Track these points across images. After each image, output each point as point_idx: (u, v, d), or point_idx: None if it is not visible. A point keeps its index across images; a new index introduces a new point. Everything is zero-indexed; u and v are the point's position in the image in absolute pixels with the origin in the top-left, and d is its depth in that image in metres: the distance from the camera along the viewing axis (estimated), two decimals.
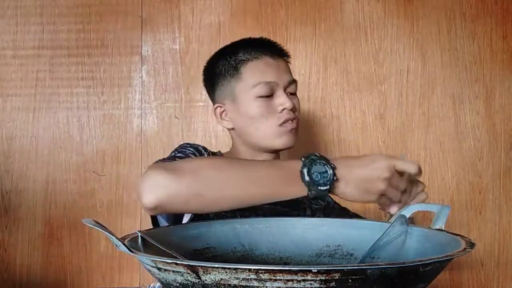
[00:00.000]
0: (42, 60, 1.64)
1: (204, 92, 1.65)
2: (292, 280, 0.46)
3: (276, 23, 1.64)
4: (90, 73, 1.64)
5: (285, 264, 0.79)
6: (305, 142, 1.64)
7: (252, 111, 1.09)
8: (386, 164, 0.83)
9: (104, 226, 0.58)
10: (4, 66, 1.64)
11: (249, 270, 0.46)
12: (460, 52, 1.66)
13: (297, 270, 0.45)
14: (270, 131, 1.09)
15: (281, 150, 1.15)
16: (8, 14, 1.64)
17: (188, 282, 0.50)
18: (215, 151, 1.20)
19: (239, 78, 1.11)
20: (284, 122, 1.09)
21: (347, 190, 0.81)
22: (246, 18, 1.65)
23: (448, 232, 0.68)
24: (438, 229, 0.70)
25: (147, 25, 1.65)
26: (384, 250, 0.72)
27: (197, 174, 0.81)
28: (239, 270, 0.46)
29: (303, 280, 0.46)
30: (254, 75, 1.10)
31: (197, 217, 0.94)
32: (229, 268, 0.47)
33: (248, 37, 1.20)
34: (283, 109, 1.09)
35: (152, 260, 0.52)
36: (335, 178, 0.80)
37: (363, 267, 0.47)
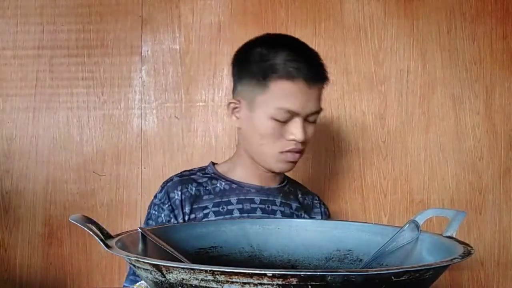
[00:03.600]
0: (42, 60, 1.64)
1: (204, 92, 1.66)
2: (248, 283, 0.44)
3: (276, 23, 1.64)
4: (90, 73, 1.64)
5: (293, 267, 0.77)
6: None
7: (263, 129, 1.04)
8: None
9: (91, 222, 0.58)
10: (4, 66, 1.64)
11: (206, 271, 0.45)
12: (460, 52, 1.66)
13: (252, 273, 0.44)
14: (271, 153, 1.06)
15: (276, 172, 1.13)
16: (8, 14, 1.64)
17: (157, 280, 0.50)
18: (205, 165, 1.19)
19: (264, 89, 1.03)
20: (287, 152, 1.05)
21: None
22: (246, 18, 1.65)
23: (457, 240, 0.64)
24: (449, 237, 0.67)
25: (147, 25, 1.65)
26: (393, 256, 0.70)
27: None
28: (197, 271, 0.46)
29: (260, 284, 0.44)
30: (280, 96, 1.02)
31: None
32: (187, 268, 0.46)
33: (297, 38, 1.13)
34: (293, 139, 1.04)
35: (128, 257, 0.53)
36: None
37: (323, 273, 0.44)
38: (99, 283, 1.63)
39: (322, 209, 1.26)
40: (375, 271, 0.46)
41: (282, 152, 1.05)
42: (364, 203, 1.65)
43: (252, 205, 1.11)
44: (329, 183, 1.65)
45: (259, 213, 1.10)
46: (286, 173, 1.21)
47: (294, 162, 1.09)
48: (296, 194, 1.22)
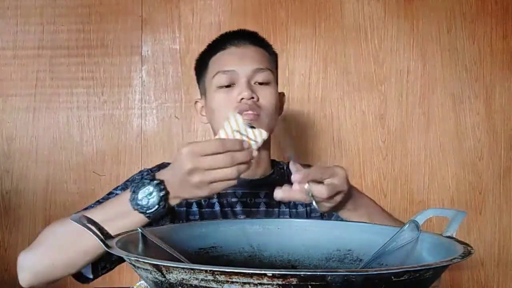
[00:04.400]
0: (42, 60, 1.64)
1: None
2: (248, 283, 0.44)
3: (276, 23, 1.64)
4: (90, 73, 1.64)
5: (293, 267, 0.77)
6: (305, 142, 1.64)
7: (213, 103, 1.06)
8: (181, 152, 0.78)
9: (91, 222, 0.58)
10: (4, 66, 1.64)
11: (206, 271, 0.45)
12: (460, 52, 1.66)
13: (252, 273, 0.44)
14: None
15: None
16: (8, 14, 1.64)
17: (157, 280, 0.51)
18: None
19: (206, 71, 1.09)
20: (240, 113, 0.98)
21: (180, 194, 0.81)
22: (246, 18, 1.64)
23: (457, 240, 0.64)
24: (449, 237, 0.67)
25: (147, 25, 1.65)
26: (393, 256, 0.70)
27: (42, 245, 0.89)
28: (197, 271, 0.46)
29: (260, 284, 0.44)
30: (216, 65, 1.07)
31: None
32: (187, 268, 0.46)
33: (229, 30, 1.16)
34: (242, 99, 1.02)
35: (128, 257, 0.53)
36: (165, 193, 0.81)
37: (323, 273, 0.44)
38: (99, 283, 1.62)
39: None
40: (375, 271, 0.46)
41: None
42: None
43: (233, 199, 1.10)
44: None
45: (239, 207, 1.08)
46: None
47: (258, 126, 1.01)
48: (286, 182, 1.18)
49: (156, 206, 0.80)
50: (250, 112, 1.00)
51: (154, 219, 0.83)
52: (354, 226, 0.80)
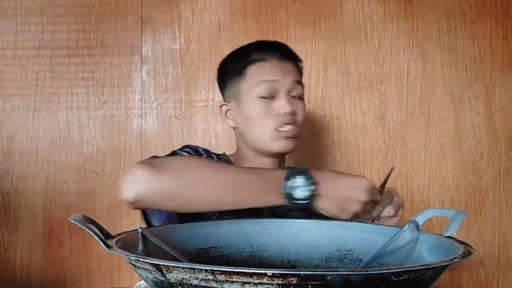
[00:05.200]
0: (42, 60, 1.64)
1: (204, 92, 1.66)
2: (248, 283, 0.45)
3: (276, 23, 1.64)
4: (90, 73, 1.64)
5: (293, 267, 0.77)
6: (305, 142, 1.64)
7: (252, 111, 1.09)
8: (367, 186, 0.85)
9: (91, 222, 0.58)
10: (4, 66, 1.64)
11: (206, 271, 0.45)
12: (460, 52, 1.66)
13: (252, 273, 0.44)
14: (266, 133, 1.08)
15: (279, 153, 1.13)
16: (8, 14, 1.64)
17: (157, 280, 0.51)
18: (220, 153, 1.20)
19: (244, 78, 1.11)
20: (282, 127, 1.07)
21: (325, 206, 0.84)
22: (246, 18, 1.64)
23: (457, 240, 0.65)
24: (449, 237, 0.67)
25: (147, 25, 1.65)
26: (393, 256, 0.70)
27: (179, 172, 0.84)
28: (197, 271, 0.46)
29: (260, 284, 0.44)
30: (257, 74, 1.09)
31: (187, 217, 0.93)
32: (187, 268, 0.46)
33: (263, 39, 1.20)
34: (283, 112, 1.07)
35: (128, 257, 0.53)
36: (314, 194, 0.83)
37: (323, 273, 0.44)
38: (99, 283, 1.63)
39: None
40: (375, 271, 0.46)
41: (277, 130, 1.07)
42: None
43: None
44: None
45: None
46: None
47: (292, 138, 1.09)
48: None
49: (306, 201, 0.83)
50: (291, 126, 1.07)
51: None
52: (354, 226, 0.80)
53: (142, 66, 1.65)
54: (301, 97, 1.13)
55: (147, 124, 1.64)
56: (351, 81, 1.65)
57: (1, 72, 1.64)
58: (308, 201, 0.82)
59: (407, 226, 0.71)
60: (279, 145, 1.09)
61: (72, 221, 0.58)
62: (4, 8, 1.64)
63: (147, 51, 1.65)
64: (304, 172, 0.84)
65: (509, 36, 1.67)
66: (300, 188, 0.82)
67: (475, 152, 1.66)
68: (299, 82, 1.12)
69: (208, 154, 1.12)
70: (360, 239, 0.77)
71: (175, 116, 1.64)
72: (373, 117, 1.66)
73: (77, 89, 1.64)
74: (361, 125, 1.66)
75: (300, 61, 1.18)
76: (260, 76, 1.09)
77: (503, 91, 1.67)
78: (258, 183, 0.84)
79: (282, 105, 1.07)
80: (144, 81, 1.65)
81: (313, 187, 0.82)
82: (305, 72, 1.65)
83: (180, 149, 1.11)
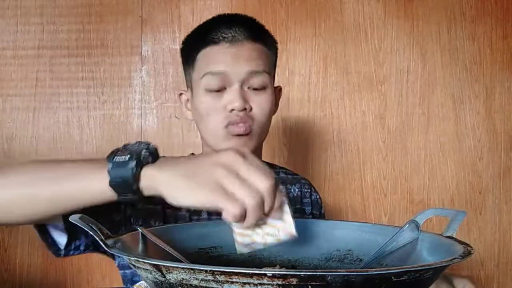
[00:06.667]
0: (42, 60, 1.64)
1: None
2: (248, 283, 0.44)
3: (276, 23, 1.64)
4: (90, 73, 1.64)
5: (293, 267, 0.77)
6: (305, 142, 1.64)
7: (200, 106, 0.95)
8: (229, 151, 0.61)
9: (91, 222, 0.58)
10: (4, 66, 1.64)
11: (206, 271, 0.45)
12: (460, 52, 1.66)
13: (252, 273, 0.44)
14: (216, 131, 0.94)
15: None
16: (8, 14, 1.64)
17: (157, 280, 0.50)
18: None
19: (193, 66, 0.97)
20: (230, 125, 0.92)
21: (167, 186, 0.61)
22: None
23: (457, 240, 0.64)
24: (449, 237, 0.67)
25: (147, 25, 1.65)
26: (393, 256, 0.70)
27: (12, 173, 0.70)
28: (197, 271, 0.46)
29: (260, 284, 0.44)
30: (204, 63, 0.94)
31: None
32: (187, 268, 0.46)
33: (228, 13, 1.04)
34: (231, 108, 0.92)
35: (128, 258, 0.52)
36: (139, 169, 0.63)
37: (323, 273, 0.44)
38: (99, 283, 1.63)
39: (313, 198, 1.14)
40: (375, 271, 0.46)
41: (226, 127, 0.92)
42: (364, 203, 1.65)
43: None
44: (329, 183, 1.65)
45: None
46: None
47: (246, 137, 0.94)
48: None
49: (129, 177, 0.63)
50: (241, 124, 0.92)
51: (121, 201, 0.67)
52: (354, 226, 0.80)
53: (142, 66, 1.65)
54: (263, 88, 0.95)
55: (147, 124, 1.64)
56: (351, 81, 1.65)
57: (1, 72, 1.64)
58: (130, 178, 0.62)
59: (407, 226, 0.71)
60: (229, 144, 0.92)
61: (72, 221, 0.58)
62: (4, 8, 1.64)
63: (147, 51, 1.65)
64: (125, 148, 0.66)
65: (509, 36, 1.67)
66: (127, 163, 0.63)
67: (475, 152, 1.66)
68: (258, 72, 0.93)
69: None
70: (360, 239, 0.76)
71: (175, 116, 1.64)
72: (373, 117, 1.66)
73: (77, 89, 1.64)
74: (361, 125, 1.66)
75: (266, 39, 0.98)
76: (206, 66, 0.93)
77: (503, 91, 1.67)
78: (82, 169, 0.67)
79: (230, 100, 0.92)
80: (144, 81, 1.65)
81: (135, 161, 0.63)
82: (305, 72, 1.66)
83: None
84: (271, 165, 1.13)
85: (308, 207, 1.12)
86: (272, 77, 1.00)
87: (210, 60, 0.94)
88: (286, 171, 1.17)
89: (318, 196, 1.16)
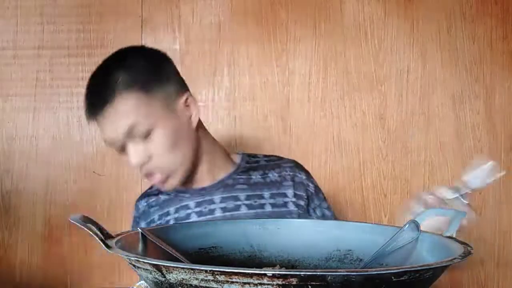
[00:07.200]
0: (42, 60, 1.64)
1: (204, 92, 1.66)
2: (248, 283, 0.44)
3: (276, 23, 1.64)
4: (90, 73, 1.63)
5: (293, 267, 0.77)
6: (305, 142, 1.64)
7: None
8: None
9: (90, 222, 0.58)
10: (4, 66, 1.64)
11: (206, 271, 0.45)
12: (460, 52, 1.66)
13: (252, 273, 0.44)
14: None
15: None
16: (8, 14, 1.64)
17: (157, 280, 0.51)
18: None
19: None
20: (146, 178, 1.03)
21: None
22: (246, 18, 1.64)
23: (457, 240, 0.64)
24: (449, 237, 0.67)
25: (147, 25, 1.65)
26: (393, 256, 0.70)
27: None
28: (197, 271, 0.46)
29: (260, 284, 0.44)
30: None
31: None
32: (187, 268, 0.46)
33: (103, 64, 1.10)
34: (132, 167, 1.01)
35: (128, 257, 0.53)
36: None
37: (323, 273, 0.44)
38: (99, 283, 1.63)
39: (297, 179, 1.14)
40: (375, 271, 0.46)
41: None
42: (364, 203, 1.65)
43: (187, 211, 1.09)
44: (329, 183, 1.65)
45: (194, 217, 1.07)
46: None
47: (166, 179, 1.02)
48: (250, 178, 1.12)
49: None
50: (151, 178, 1.01)
51: None
52: (354, 226, 0.80)
53: None
54: (148, 134, 0.97)
55: None
56: (351, 81, 1.65)
57: (1, 72, 1.64)
58: None
59: (407, 226, 0.71)
60: (160, 188, 1.07)
61: (72, 221, 0.58)
62: (4, 8, 1.64)
63: None
64: None
65: (509, 36, 1.67)
66: None
67: (475, 152, 1.66)
68: (133, 127, 0.96)
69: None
70: (360, 239, 0.76)
71: None
72: (373, 117, 1.66)
73: (77, 89, 1.64)
74: (361, 125, 1.66)
75: (108, 101, 0.98)
76: (102, 134, 1.04)
77: (503, 91, 1.67)
78: None
79: (128, 161, 1.00)
80: None
81: None
82: (305, 72, 1.66)
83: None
84: (252, 155, 1.18)
85: (289, 190, 1.12)
86: (159, 115, 1.00)
87: (100, 129, 1.02)
88: (270, 158, 1.19)
89: (304, 177, 1.15)
